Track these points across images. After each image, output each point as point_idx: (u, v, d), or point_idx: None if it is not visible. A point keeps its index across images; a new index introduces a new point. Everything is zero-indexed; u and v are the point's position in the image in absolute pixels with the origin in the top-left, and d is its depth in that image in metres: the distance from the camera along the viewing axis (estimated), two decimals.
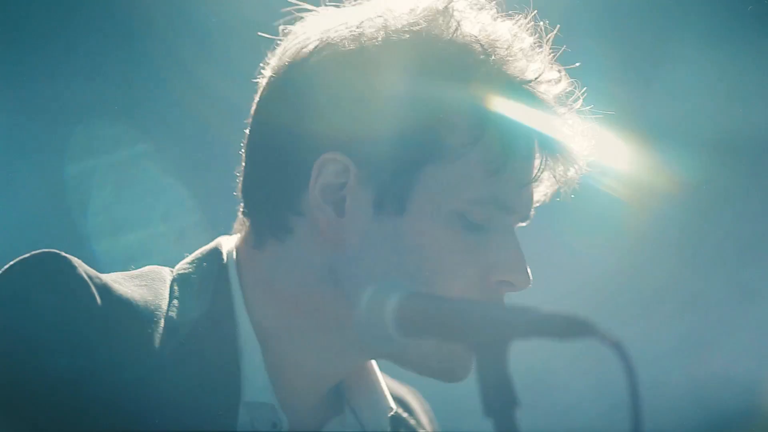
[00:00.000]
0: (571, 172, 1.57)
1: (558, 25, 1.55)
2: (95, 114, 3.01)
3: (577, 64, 1.57)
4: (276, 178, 1.53)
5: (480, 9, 1.54)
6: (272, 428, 1.51)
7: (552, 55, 1.55)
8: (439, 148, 1.47)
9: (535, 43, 1.54)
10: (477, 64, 1.49)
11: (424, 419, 1.78)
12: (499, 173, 1.48)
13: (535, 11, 1.55)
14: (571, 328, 1.16)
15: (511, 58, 1.51)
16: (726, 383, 3.27)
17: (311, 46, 1.52)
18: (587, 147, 1.56)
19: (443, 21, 1.51)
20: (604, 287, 3.10)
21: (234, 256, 1.57)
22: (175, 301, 1.50)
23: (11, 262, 1.43)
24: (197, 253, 1.58)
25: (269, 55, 1.58)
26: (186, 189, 3.04)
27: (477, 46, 1.50)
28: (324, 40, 1.51)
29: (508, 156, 1.49)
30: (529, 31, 1.55)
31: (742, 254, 3.32)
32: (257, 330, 1.52)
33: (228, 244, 1.59)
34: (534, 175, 1.53)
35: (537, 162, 1.54)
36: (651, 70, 3.25)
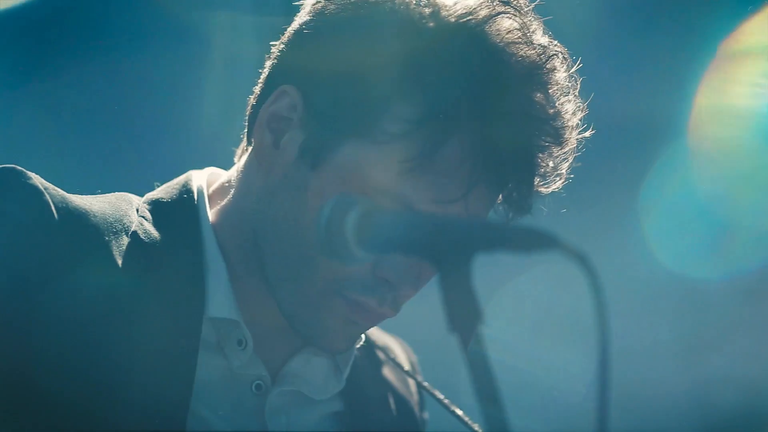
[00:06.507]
0: (523, 201, 1.49)
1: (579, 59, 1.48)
2: (96, 114, 3.01)
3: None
4: (259, 95, 1.56)
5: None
6: (237, 345, 1.52)
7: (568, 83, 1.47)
8: (371, 124, 1.44)
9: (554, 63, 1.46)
10: (456, 61, 1.43)
11: (406, 365, 1.78)
12: (412, 176, 1.43)
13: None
14: (534, 240, 1.14)
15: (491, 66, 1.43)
16: (726, 383, 3.27)
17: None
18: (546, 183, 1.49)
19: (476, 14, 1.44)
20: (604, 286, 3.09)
21: (206, 181, 1.59)
22: (142, 219, 1.51)
23: None
24: (168, 183, 1.60)
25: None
26: None
27: (473, 50, 1.43)
28: None
29: (427, 165, 1.42)
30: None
31: (742, 254, 3.31)
32: (223, 251, 1.53)
33: (200, 173, 1.61)
34: (454, 198, 1.44)
35: (467, 184, 1.43)
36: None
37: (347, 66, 1.46)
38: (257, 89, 1.57)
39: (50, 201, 1.43)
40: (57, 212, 1.43)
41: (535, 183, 1.48)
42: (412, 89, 1.43)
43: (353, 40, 1.46)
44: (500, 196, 1.49)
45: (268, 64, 1.56)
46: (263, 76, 1.57)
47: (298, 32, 1.53)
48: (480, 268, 1.22)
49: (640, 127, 3.17)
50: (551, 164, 1.47)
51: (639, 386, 3.18)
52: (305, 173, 1.47)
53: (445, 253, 1.18)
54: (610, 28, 3.12)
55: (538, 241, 1.14)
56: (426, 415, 1.82)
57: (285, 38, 1.55)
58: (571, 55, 1.49)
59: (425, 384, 1.72)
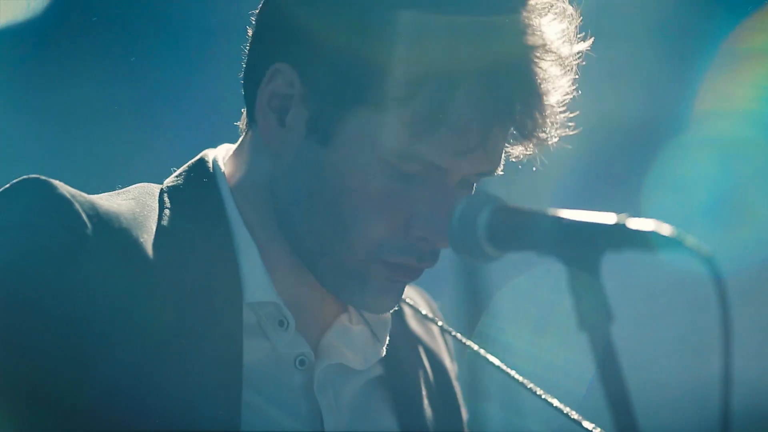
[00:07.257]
0: (532, 146, 1.50)
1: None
2: (96, 114, 3.01)
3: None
4: (250, 73, 1.54)
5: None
6: (279, 326, 1.52)
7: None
8: (373, 92, 1.44)
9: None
10: (447, 23, 1.43)
11: (430, 316, 1.79)
12: (426, 135, 1.43)
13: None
14: (662, 241, 1.17)
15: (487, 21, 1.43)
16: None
17: None
18: (549, 131, 1.48)
19: None
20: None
21: (222, 159, 1.58)
22: (166, 211, 1.50)
23: None
24: (184, 166, 1.58)
25: None
26: None
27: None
28: None
29: (439, 123, 1.43)
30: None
31: (742, 253, 3.32)
32: (250, 230, 1.52)
33: (215, 151, 1.60)
34: (474, 146, 1.45)
35: (483, 130, 1.45)
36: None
37: (336, 36, 1.45)
38: (245, 64, 1.55)
39: (80, 210, 1.42)
40: (88, 221, 1.42)
41: (544, 103, 1.46)
42: (405, 50, 1.42)
43: (337, 7, 1.46)
44: (513, 130, 1.49)
45: (252, 35, 1.54)
46: (249, 49, 1.55)
47: (277, 2, 1.51)
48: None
49: (638, 127, 3.17)
50: (554, 79, 1.46)
51: (639, 386, 3.18)
52: (318, 150, 1.47)
53: (576, 254, 1.20)
54: (610, 28, 3.12)
55: (666, 242, 1.16)
56: (455, 365, 1.82)
57: (265, 7, 1.53)
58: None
59: (458, 335, 1.73)
